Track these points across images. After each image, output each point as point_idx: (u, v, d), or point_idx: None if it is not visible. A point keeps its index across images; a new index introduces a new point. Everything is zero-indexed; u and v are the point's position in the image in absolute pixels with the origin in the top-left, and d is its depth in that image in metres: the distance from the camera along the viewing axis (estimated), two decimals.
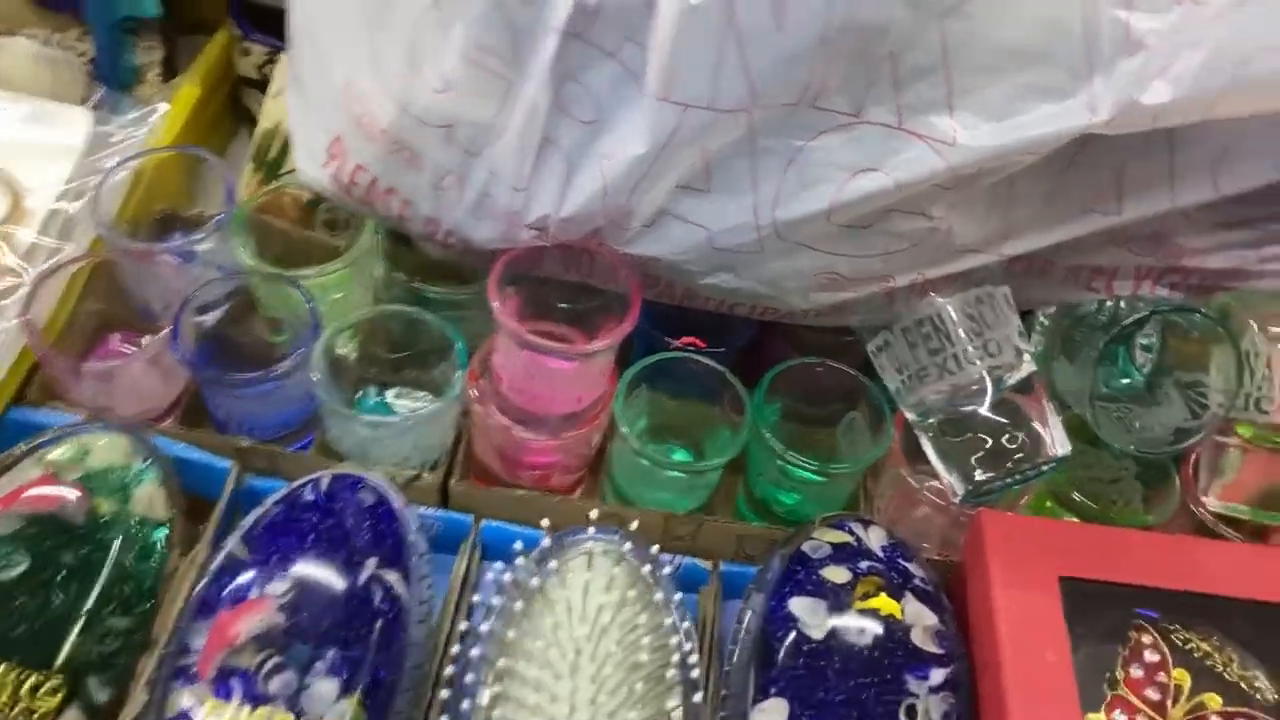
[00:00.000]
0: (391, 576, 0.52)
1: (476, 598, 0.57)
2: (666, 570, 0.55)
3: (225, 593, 0.50)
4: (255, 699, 0.47)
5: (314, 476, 0.55)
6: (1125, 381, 0.62)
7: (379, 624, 0.51)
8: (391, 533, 0.53)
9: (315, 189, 0.59)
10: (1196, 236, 0.55)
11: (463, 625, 0.54)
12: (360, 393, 0.66)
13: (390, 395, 0.66)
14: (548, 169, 0.52)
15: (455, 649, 0.54)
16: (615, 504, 0.62)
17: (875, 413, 0.61)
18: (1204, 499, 0.60)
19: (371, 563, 0.52)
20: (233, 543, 0.52)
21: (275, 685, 0.48)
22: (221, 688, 0.48)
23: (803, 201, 0.51)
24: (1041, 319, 0.64)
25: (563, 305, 0.59)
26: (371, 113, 0.53)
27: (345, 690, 0.48)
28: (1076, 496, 0.62)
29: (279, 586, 0.50)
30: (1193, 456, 0.62)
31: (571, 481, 0.64)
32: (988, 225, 0.54)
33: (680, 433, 0.65)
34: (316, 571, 0.51)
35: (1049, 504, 0.64)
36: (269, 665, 0.49)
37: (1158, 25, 0.46)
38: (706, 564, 0.60)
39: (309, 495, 0.54)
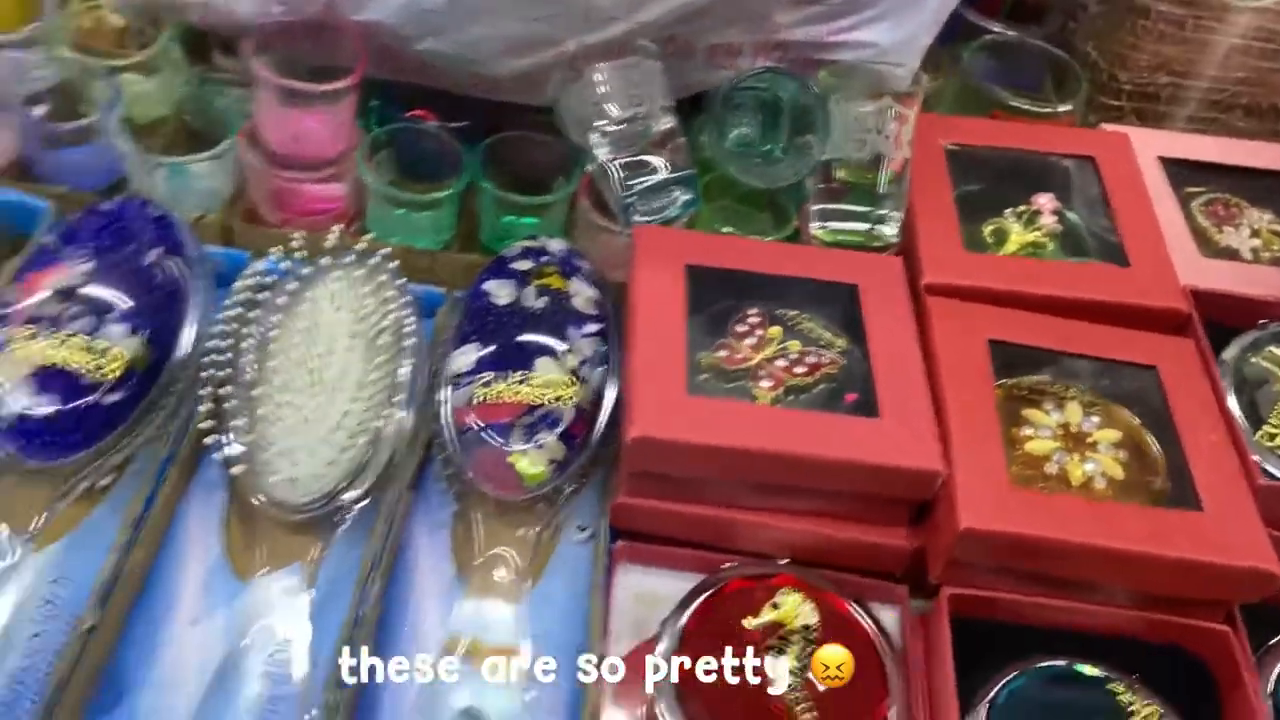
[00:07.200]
0: (172, 262, 0.68)
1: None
2: (400, 282, 0.71)
3: (35, 266, 0.66)
4: (58, 328, 0.63)
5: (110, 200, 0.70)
6: (766, 148, 0.81)
7: (160, 292, 0.67)
8: (171, 235, 0.69)
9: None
10: (783, 13, 0.74)
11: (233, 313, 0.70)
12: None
13: None
14: None
15: (228, 327, 0.69)
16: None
17: (574, 172, 0.79)
18: (810, 226, 0.79)
19: (155, 252, 0.68)
20: (43, 236, 0.68)
21: (77, 324, 0.64)
22: (32, 322, 0.63)
23: None
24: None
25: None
26: None
27: (133, 332, 0.64)
28: (729, 229, 0.80)
29: (78, 259, 0.66)
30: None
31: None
32: None
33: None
34: (111, 251, 0.67)
35: None
36: (71, 311, 0.64)
37: None
38: (443, 289, 0.77)
39: (105, 207, 0.70)
